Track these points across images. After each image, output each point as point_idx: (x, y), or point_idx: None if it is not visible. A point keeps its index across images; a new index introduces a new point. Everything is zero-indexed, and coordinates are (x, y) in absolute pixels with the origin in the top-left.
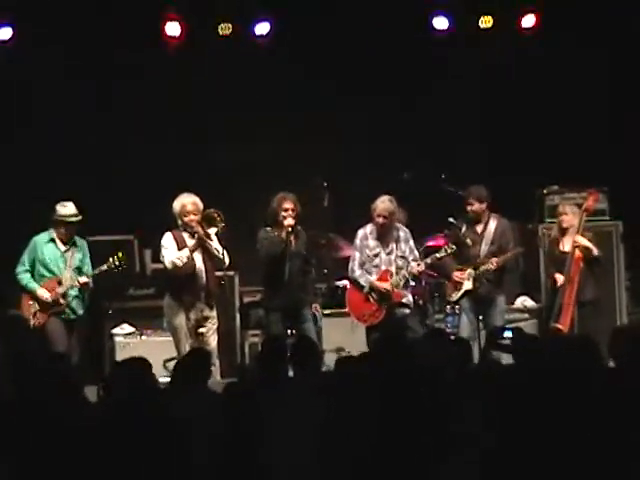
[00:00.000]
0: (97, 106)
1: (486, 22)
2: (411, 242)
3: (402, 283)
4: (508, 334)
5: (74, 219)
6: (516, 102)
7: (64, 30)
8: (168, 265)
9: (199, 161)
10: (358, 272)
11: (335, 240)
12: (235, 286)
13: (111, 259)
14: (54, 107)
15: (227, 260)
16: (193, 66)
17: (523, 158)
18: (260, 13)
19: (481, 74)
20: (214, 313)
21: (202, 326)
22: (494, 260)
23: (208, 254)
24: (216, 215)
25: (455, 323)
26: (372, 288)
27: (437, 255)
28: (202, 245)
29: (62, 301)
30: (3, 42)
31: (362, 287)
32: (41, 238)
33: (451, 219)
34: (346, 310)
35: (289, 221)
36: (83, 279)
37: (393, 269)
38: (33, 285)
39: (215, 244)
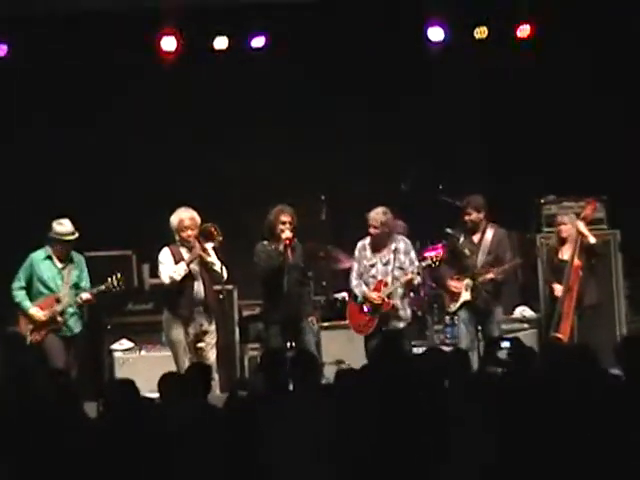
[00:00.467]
0: (95, 122)
1: (481, 33)
2: (412, 254)
3: (397, 293)
4: (506, 344)
5: (71, 237)
6: (513, 112)
7: (59, 48)
8: (165, 280)
9: (196, 175)
10: (355, 283)
11: (333, 252)
12: (234, 300)
13: (109, 279)
14: (51, 123)
15: (225, 274)
16: (189, 80)
17: (521, 167)
18: (256, 26)
19: (477, 85)
20: (213, 327)
21: (201, 340)
22: (493, 271)
23: (206, 268)
24: (213, 229)
25: (454, 334)
26: (365, 298)
27: (422, 264)
28: (200, 260)
29: (59, 319)
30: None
31: (356, 297)
32: (37, 255)
33: (448, 229)
34: (345, 322)
35: (287, 234)
36: (86, 296)
37: (389, 280)
38: (26, 304)
39: (213, 258)
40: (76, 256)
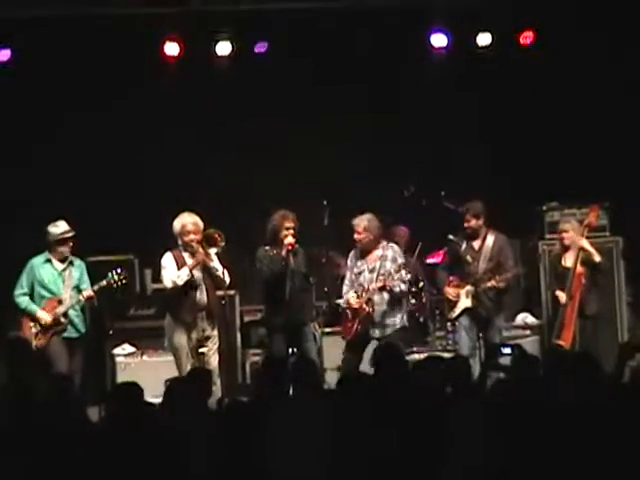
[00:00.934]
0: (97, 128)
1: (484, 39)
2: (399, 260)
3: (383, 299)
4: (507, 351)
5: (68, 235)
6: (515, 119)
7: (60, 53)
8: (168, 285)
9: (199, 180)
10: (345, 289)
11: (335, 258)
12: (236, 305)
13: (110, 274)
14: (54, 127)
15: (227, 279)
16: (192, 86)
17: (523, 174)
18: (259, 32)
19: (480, 91)
20: (215, 332)
21: (203, 346)
22: (494, 279)
23: (209, 274)
24: (216, 235)
25: (456, 340)
26: (348, 305)
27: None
28: (203, 265)
29: (63, 320)
30: (2, 64)
31: (347, 303)
32: (37, 260)
33: (450, 236)
34: None
35: (289, 239)
36: (88, 292)
37: (374, 286)
38: (33, 307)
39: (216, 264)
40: (76, 260)
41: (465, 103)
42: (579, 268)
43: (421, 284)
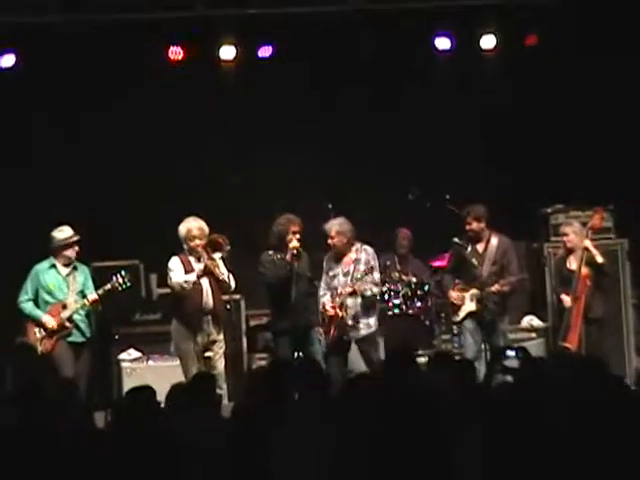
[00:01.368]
0: (100, 132)
1: (488, 42)
2: (372, 263)
3: (356, 303)
4: (512, 353)
5: (73, 239)
6: (520, 121)
7: (66, 59)
8: (175, 286)
9: (203, 184)
10: (321, 293)
11: None
12: (241, 310)
13: (114, 278)
14: (57, 133)
15: (233, 284)
16: (196, 90)
17: (528, 176)
18: (263, 36)
19: (484, 93)
20: (221, 337)
21: (209, 350)
22: (499, 283)
23: (214, 278)
24: (221, 240)
25: (462, 343)
26: (324, 308)
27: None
28: (209, 271)
29: (68, 324)
30: (7, 69)
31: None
32: (41, 266)
33: (456, 239)
34: None
35: (294, 243)
36: (93, 296)
37: (345, 291)
38: (37, 313)
39: (221, 268)
40: (80, 265)
41: (469, 105)
42: (584, 270)
43: (426, 287)
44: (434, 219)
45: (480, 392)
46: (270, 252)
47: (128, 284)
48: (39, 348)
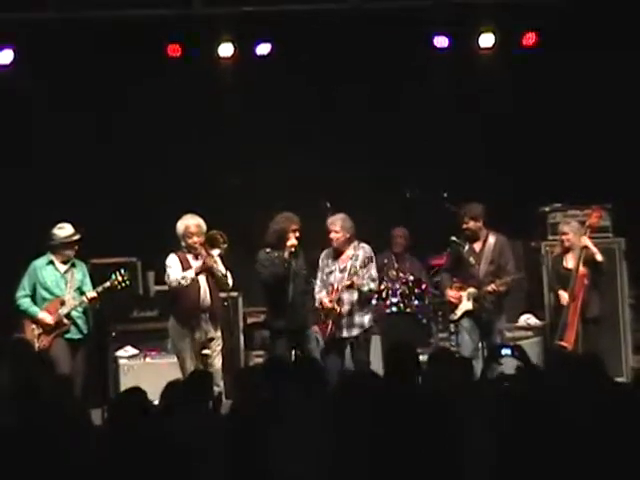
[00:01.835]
0: (99, 130)
1: (486, 40)
2: (369, 261)
3: (352, 299)
4: (506, 352)
5: (74, 238)
6: (518, 120)
7: (64, 57)
8: (173, 283)
9: (201, 182)
10: (316, 290)
11: None
12: (239, 307)
13: (113, 276)
14: (56, 130)
15: (231, 281)
16: (194, 88)
17: (526, 175)
18: (261, 34)
19: (482, 92)
20: (219, 334)
21: (207, 347)
22: (496, 283)
23: (212, 276)
24: (219, 237)
25: (459, 342)
26: (321, 305)
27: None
28: (206, 267)
29: (66, 321)
30: (4, 66)
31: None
32: (39, 262)
33: (453, 238)
34: None
35: (292, 241)
36: (91, 294)
37: (343, 284)
38: (34, 309)
39: (219, 266)
40: (78, 262)
41: (467, 104)
42: (581, 269)
43: (424, 286)
44: (432, 218)
45: (482, 391)
46: (267, 250)
47: (127, 282)
48: (36, 345)
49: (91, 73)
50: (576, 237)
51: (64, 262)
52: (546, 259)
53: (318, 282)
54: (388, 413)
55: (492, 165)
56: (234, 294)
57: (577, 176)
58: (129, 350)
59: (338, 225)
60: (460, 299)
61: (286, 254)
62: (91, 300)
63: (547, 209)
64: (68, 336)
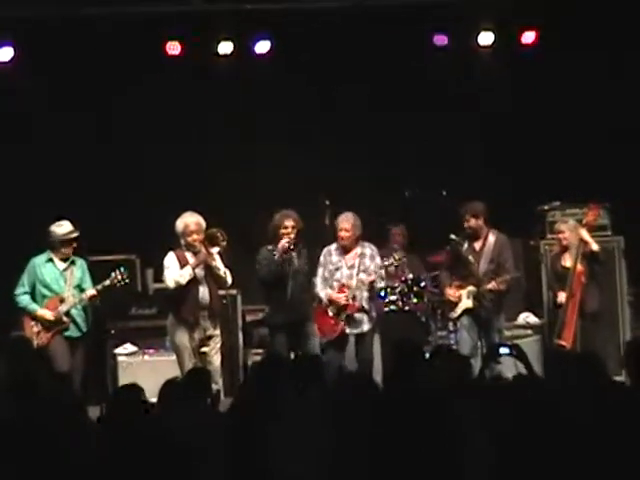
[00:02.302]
0: (98, 127)
1: (486, 38)
2: (377, 260)
3: (363, 296)
4: (504, 350)
5: (73, 235)
6: (517, 118)
7: (63, 54)
8: (171, 284)
9: (200, 180)
10: (319, 287)
11: None
12: (238, 305)
13: (113, 274)
14: (55, 127)
15: (230, 279)
16: (193, 85)
17: (525, 174)
18: (260, 31)
19: (482, 90)
20: (218, 332)
21: (205, 345)
22: (496, 281)
23: (211, 273)
24: (219, 234)
25: (458, 340)
26: (330, 301)
27: (385, 263)
28: (205, 264)
29: (65, 319)
30: (4, 63)
31: (321, 300)
32: (39, 259)
33: (452, 236)
34: None
35: (285, 239)
36: (91, 292)
37: (353, 282)
38: (33, 306)
39: (218, 263)
40: (78, 259)
41: (467, 103)
42: (579, 267)
43: (423, 284)
44: (431, 216)
45: (480, 389)
46: (269, 247)
47: (127, 280)
48: (35, 342)
49: (90, 70)
50: (573, 236)
51: (63, 259)
52: (544, 258)
53: (319, 279)
54: (388, 411)
55: (491, 164)
56: (233, 292)
57: (576, 175)
58: (128, 347)
59: (349, 223)
60: (460, 297)
61: (278, 251)
62: (90, 298)
63: (546, 207)
64: (67, 334)
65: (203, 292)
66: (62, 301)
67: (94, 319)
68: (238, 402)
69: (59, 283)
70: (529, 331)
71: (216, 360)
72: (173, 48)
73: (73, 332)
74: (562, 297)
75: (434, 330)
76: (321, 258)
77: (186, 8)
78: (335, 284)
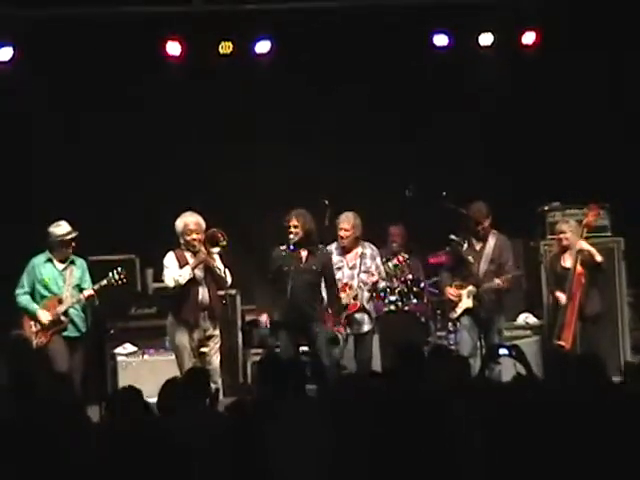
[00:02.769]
0: (98, 128)
1: (486, 39)
2: (377, 260)
3: (363, 296)
4: (504, 352)
5: (71, 236)
6: (517, 119)
7: (63, 54)
8: (170, 284)
9: (200, 180)
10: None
11: None
12: (237, 305)
13: (111, 274)
14: (54, 128)
15: (229, 279)
16: (194, 86)
17: (525, 175)
18: (260, 32)
19: (482, 90)
20: (217, 332)
21: (205, 345)
22: (500, 278)
23: (211, 273)
24: (219, 235)
25: (457, 340)
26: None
27: (390, 265)
28: (205, 264)
29: (63, 319)
30: (4, 63)
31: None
32: (38, 259)
33: (452, 236)
34: None
35: (290, 237)
36: (88, 292)
37: (355, 283)
38: (33, 306)
39: (218, 263)
40: (77, 259)
41: (467, 103)
42: (579, 268)
43: (422, 284)
44: (430, 216)
45: (479, 390)
46: (282, 247)
47: (124, 280)
48: (34, 342)
49: (90, 70)
50: (574, 236)
51: (63, 259)
52: (544, 258)
53: None
54: (387, 412)
55: (491, 164)
56: (232, 292)
57: (576, 175)
58: (127, 347)
59: (348, 223)
60: (460, 297)
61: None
62: (88, 297)
63: (546, 208)
64: (66, 334)
65: (203, 292)
66: (61, 301)
67: (94, 319)
68: (236, 402)
69: (58, 283)
70: (528, 332)
71: (215, 360)
72: (173, 48)
73: (72, 332)
74: (562, 298)
75: (433, 331)
76: None
77: (186, 8)
78: (339, 284)
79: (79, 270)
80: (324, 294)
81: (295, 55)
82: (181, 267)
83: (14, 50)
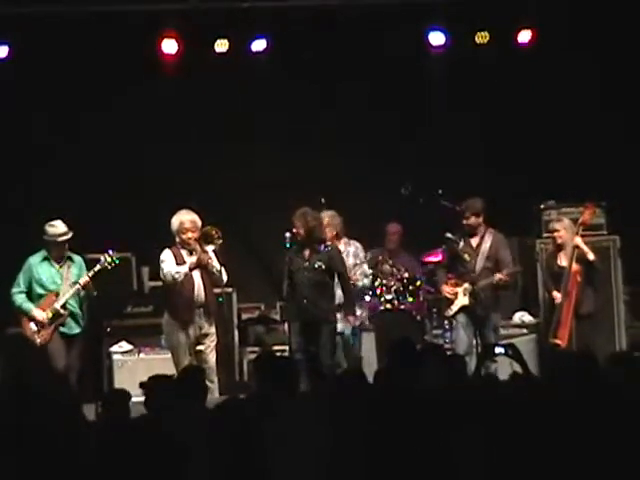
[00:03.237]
0: (94, 125)
1: (482, 38)
2: (361, 255)
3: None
4: (500, 350)
5: (64, 237)
6: (514, 117)
7: (59, 52)
8: (167, 278)
9: (197, 178)
10: None
11: None
12: (233, 303)
13: (102, 258)
14: (50, 125)
15: (225, 277)
16: (190, 84)
17: (521, 173)
18: (256, 30)
19: (478, 89)
20: (213, 330)
21: (201, 343)
22: (498, 274)
23: (207, 271)
24: (214, 232)
25: (453, 338)
26: None
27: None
28: (201, 264)
29: (63, 311)
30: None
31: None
32: (35, 258)
33: (448, 234)
34: None
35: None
36: (84, 279)
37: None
38: (28, 305)
39: (213, 261)
40: (75, 256)
41: (463, 102)
42: (574, 266)
43: (418, 282)
44: (427, 214)
45: (475, 388)
46: (289, 247)
47: (117, 261)
48: (37, 340)
49: (86, 69)
50: (568, 234)
51: (59, 258)
52: (540, 257)
53: None
54: (383, 410)
55: (490, 163)
56: (228, 290)
57: (572, 173)
58: (123, 346)
59: (325, 222)
60: (456, 295)
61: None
62: (85, 285)
63: (542, 206)
64: (62, 330)
65: (198, 290)
66: (57, 295)
67: (90, 317)
68: (234, 400)
69: (55, 281)
70: (524, 330)
71: (211, 358)
72: (169, 46)
73: (69, 329)
74: (558, 296)
75: (429, 329)
76: None
77: (183, 6)
78: None
79: (76, 267)
80: (338, 290)
81: (292, 53)
82: (177, 264)
83: (10, 48)
